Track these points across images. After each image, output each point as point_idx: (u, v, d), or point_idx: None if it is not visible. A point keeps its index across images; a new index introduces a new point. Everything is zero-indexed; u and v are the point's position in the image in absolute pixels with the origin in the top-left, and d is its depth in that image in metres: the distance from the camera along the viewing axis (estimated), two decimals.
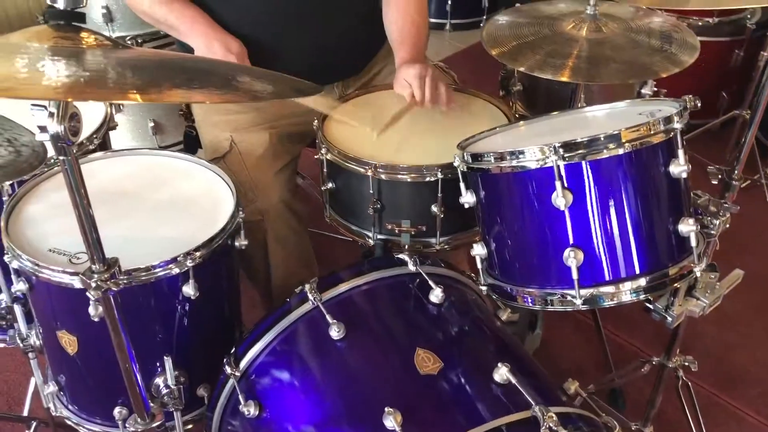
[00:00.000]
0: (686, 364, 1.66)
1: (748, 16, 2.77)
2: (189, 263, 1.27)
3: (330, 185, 1.55)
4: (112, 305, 1.02)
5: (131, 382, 1.11)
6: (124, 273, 1.20)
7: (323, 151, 1.50)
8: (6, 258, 1.28)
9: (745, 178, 1.52)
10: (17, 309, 1.42)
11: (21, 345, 1.44)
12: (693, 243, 1.14)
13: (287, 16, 1.64)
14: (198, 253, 1.28)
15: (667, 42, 1.49)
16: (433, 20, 4.05)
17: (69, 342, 1.32)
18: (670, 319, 1.41)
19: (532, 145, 1.13)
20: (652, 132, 1.10)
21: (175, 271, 1.26)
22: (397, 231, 1.48)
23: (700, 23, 2.82)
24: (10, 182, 1.40)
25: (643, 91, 1.84)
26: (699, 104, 1.19)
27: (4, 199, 1.40)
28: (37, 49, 0.87)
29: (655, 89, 1.87)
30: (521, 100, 2.13)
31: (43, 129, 0.85)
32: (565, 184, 1.10)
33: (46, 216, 1.36)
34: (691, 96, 1.20)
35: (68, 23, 0.88)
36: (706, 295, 1.43)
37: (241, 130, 1.69)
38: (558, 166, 1.09)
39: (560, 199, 1.09)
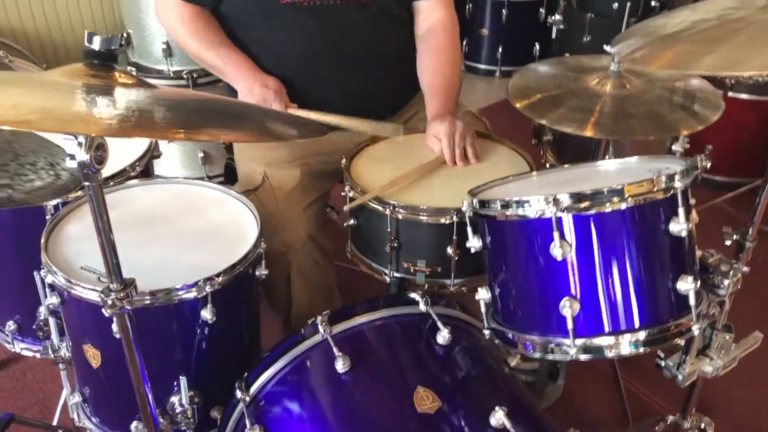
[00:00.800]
0: (702, 426, 1.63)
1: None
2: (208, 288, 1.33)
3: (352, 222, 1.61)
4: (127, 323, 1.09)
5: (142, 397, 1.17)
6: (148, 294, 1.29)
7: (347, 188, 1.57)
8: (42, 273, 1.37)
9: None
10: (52, 321, 1.51)
11: (52, 356, 1.52)
12: (692, 301, 1.14)
13: (324, 61, 1.73)
14: (218, 279, 1.34)
15: (689, 100, 1.51)
16: (483, 66, 4.14)
17: (93, 356, 1.40)
18: (680, 377, 1.40)
19: (541, 195, 1.16)
20: (654, 189, 1.12)
21: (195, 295, 1.32)
22: (412, 270, 1.53)
23: (750, 81, 2.79)
24: (54, 202, 1.51)
25: (674, 147, 1.83)
26: (709, 165, 1.21)
27: (47, 217, 1.50)
28: (90, 87, 0.96)
29: (688, 146, 1.86)
30: (552, 150, 2.16)
31: (71, 157, 0.93)
32: (564, 235, 1.13)
33: (83, 236, 1.44)
34: (702, 156, 1.21)
35: (102, 63, 0.97)
36: (720, 356, 1.42)
37: (274, 165, 1.77)
38: (557, 217, 1.12)
39: (557, 249, 1.11)
